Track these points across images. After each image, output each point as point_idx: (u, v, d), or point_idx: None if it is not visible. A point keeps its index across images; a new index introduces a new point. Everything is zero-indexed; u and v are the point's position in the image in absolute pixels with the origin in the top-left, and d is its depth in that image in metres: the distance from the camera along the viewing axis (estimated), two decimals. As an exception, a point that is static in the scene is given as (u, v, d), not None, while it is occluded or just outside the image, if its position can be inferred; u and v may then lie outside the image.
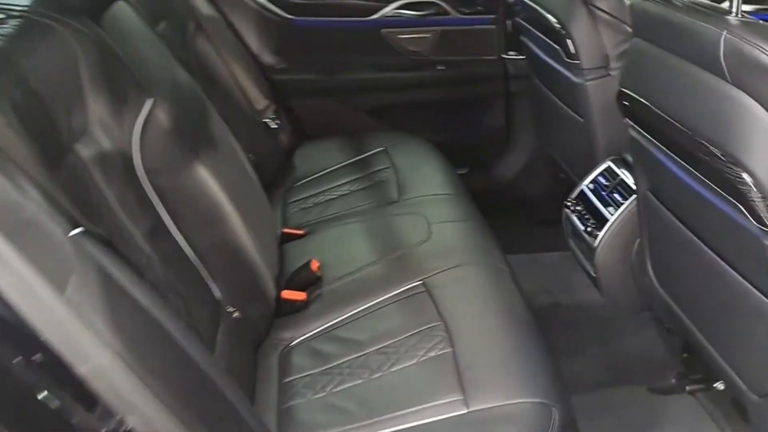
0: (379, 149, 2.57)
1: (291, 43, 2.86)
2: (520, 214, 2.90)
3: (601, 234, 2.00)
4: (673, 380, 2.06)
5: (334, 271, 1.92)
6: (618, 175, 2.07)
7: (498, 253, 1.94)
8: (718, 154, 1.30)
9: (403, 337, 1.64)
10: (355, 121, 2.85)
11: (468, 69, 2.82)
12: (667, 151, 1.52)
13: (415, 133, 2.72)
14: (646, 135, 1.62)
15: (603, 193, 2.08)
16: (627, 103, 1.69)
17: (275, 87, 2.80)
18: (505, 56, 2.80)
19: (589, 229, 2.02)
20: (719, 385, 1.99)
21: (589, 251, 2.07)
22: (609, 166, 2.13)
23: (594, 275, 2.05)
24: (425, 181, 2.32)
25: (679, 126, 1.41)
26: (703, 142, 1.34)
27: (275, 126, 2.67)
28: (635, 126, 1.68)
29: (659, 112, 1.50)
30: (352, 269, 1.91)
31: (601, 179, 2.12)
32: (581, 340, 2.05)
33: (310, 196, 2.40)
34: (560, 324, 2.05)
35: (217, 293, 1.65)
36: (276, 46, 2.85)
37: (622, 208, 1.97)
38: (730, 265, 1.43)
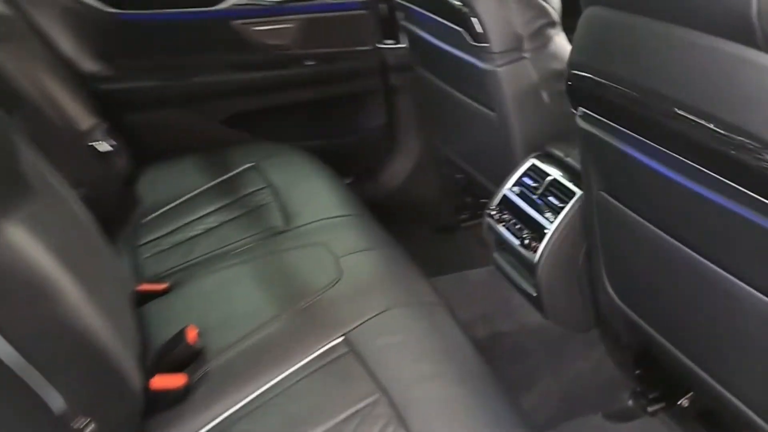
0: (248, 165, 2.09)
1: (118, 44, 2.29)
2: (416, 224, 2.53)
3: (541, 246, 1.66)
4: (630, 401, 1.77)
5: (221, 338, 1.43)
6: (547, 174, 1.75)
7: (425, 286, 1.55)
8: (747, 143, 0.97)
9: (334, 423, 1.20)
10: (210, 133, 2.33)
11: (340, 63, 2.40)
12: (648, 143, 1.19)
13: (286, 141, 2.26)
14: (610, 125, 1.28)
15: (533, 196, 1.75)
16: (578, 87, 1.35)
17: (103, 100, 2.22)
18: (380, 46, 2.40)
19: (526, 241, 1.68)
20: (684, 402, 1.73)
21: (527, 268, 1.73)
22: (533, 164, 1.80)
23: (535, 295, 1.72)
24: (315, 201, 1.87)
25: (680, 112, 1.08)
26: (718, 129, 1.01)
27: (108, 149, 2.11)
28: (590, 114, 1.34)
29: (636, 95, 1.17)
30: (245, 332, 1.43)
31: (527, 180, 1.79)
32: (529, 372, 1.72)
33: (167, 234, 1.87)
34: (504, 356, 1.71)
35: (57, 403, 1.12)
36: (99, 48, 2.27)
37: (563, 213, 1.64)
38: (732, 274, 1.13)
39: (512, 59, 1.75)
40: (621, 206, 1.37)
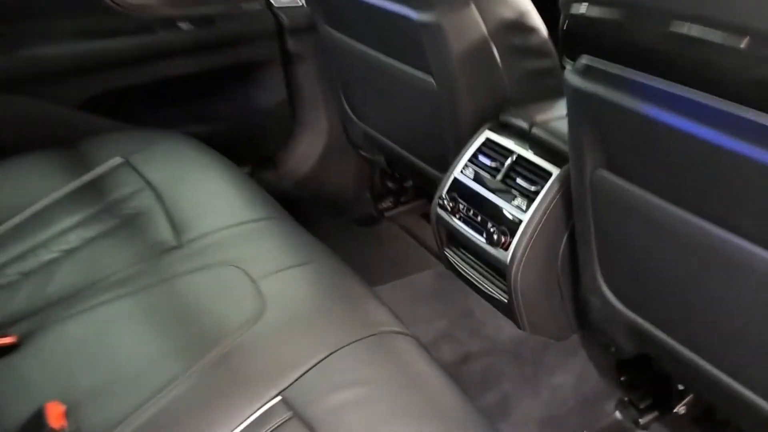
0: (117, 162, 1.60)
1: None
2: (330, 217, 2.13)
3: (514, 242, 1.31)
4: (617, 414, 1.48)
5: (101, 416, 0.98)
6: (509, 150, 1.40)
7: (378, 308, 1.16)
8: None
9: None
10: (63, 122, 1.81)
11: (224, 25, 1.93)
12: (675, 93, 0.87)
13: (163, 127, 1.79)
14: (623, 78, 0.94)
15: (494, 179, 1.40)
16: (578, 28, 1.00)
17: None
18: (274, 3, 1.97)
19: (494, 236, 1.33)
20: (680, 408, 1.46)
21: (496, 269, 1.38)
22: (488, 138, 1.45)
23: (506, 301, 1.38)
24: (213, 203, 1.43)
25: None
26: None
27: None
28: (593, 66, 1.00)
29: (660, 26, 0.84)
30: (137, 402, 0.99)
31: (483, 159, 1.44)
32: (504, 398, 1.38)
33: (11, 261, 1.36)
34: (475, 383, 1.35)
35: None
36: None
37: (539, 199, 1.31)
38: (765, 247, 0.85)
39: (456, 6, 1.38)
40: (628, 185, 1.05)
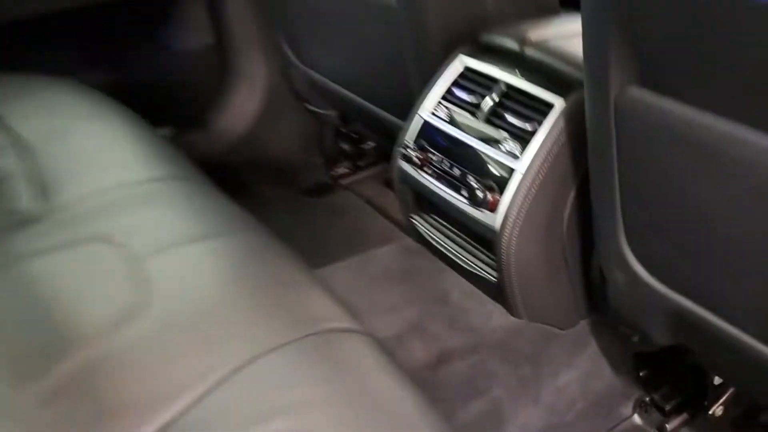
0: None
1: None
2: (273, 187, 1.77)
3: (506, 200, 0.97)
4: (636, 417, 1.16)
5: None
6: (494, 79, 1.05)
7: (321, 297, 0.82)
8: None
9: None
10: None
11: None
12: None
13: (54, 73, 1.40)
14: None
15: (477, 117, 1.05)
16: None
17: None
18: None
19: (478, 194, 0.98)
20: (717, 409, 1.15)
21: (481, 238, 1.04)
22: (466, 67, 1.10)
23: (495, 281, 1.04)
24: (97, 161, 1.06)
25: None
26: None
27: None
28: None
29: None
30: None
31: (461, 93, 1.09)
32: (498, 403, 1.04)
33: None
34: (460, 386, 1.01)
35: None
36: None
37: (538, 141, 0.96)
38: None
39: None
40: (673, 104, 0.72)
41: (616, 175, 0.84)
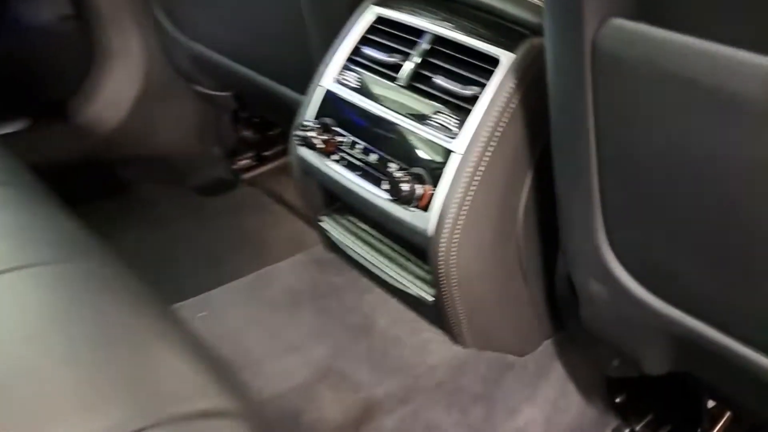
0: None
1: None
2: (159, 186, 1.47)
3: (441, 193, 0.71)
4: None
5: None
6: (420, 31, 0.78)
7: (185, 372, 0.54)
8: None
9: None
10: None
11: None
12: None
13: None
14: None
15: (397, 82, 0.78)
16: None
17: None
18: None
19: (405, 188, 0.71)
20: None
21: (410, 244, 0.78)
22: (379, 17, 0.83)
23: (431, 300, 0.78)
24: None
25: None
26: None
27: None
28: None
29: None
30: None
31: (374, 53, 0.81)
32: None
33: None
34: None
35: None
36: None
37: (481, 109, 0.70)
38: None
39: None
40: (682, 41, 0.47)
41: (593, 147, 0.59)
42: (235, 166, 1.55)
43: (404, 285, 0.80)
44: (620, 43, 0.53)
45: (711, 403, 0.91)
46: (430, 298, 0.77)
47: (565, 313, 0.80)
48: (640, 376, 0.87)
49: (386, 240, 0.86)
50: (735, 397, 0.78)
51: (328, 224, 0.91)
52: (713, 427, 0.91)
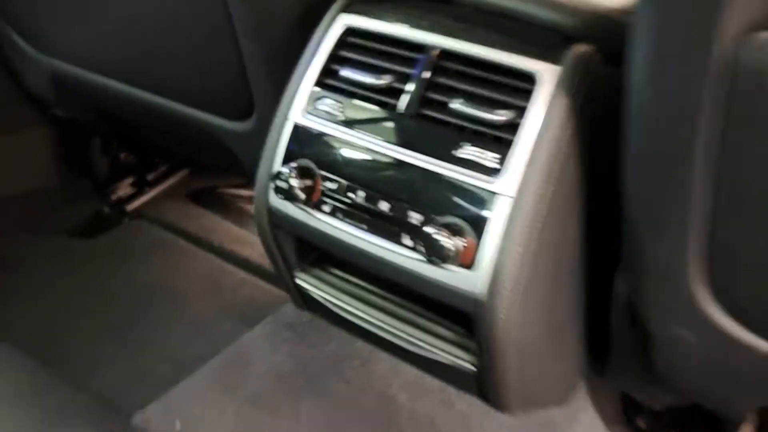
0: None
1: None
2: (21, 240, 1.20)
3: (491, 248, 0.57)
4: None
5: None
6: (420, 46, 0.63)
7: None
8: None
9: None
10: None
11: None
12: None
13: None
14: None
15: (396, 110, 0.62)
16: None
17: None
18: None
19: (444, 245, 0.57)
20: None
21: (448, 309, 0.63)
22: (350, 28, 0.67)
23: (473, 369, 0.64)
24: None
25: None
26: None
27: None
28: None
29: None
30: None
31: (357, 75, 0.65)
32: None
33: None
34: None
35: None
36: None
37: (529, 140, 0.57)
38: None
39: None
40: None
41: (704, 175, 0.49)
42: (113, 196, 1.30)
43: (433, 352, 0.66)
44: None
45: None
46: (472, 368, 0.64)
47: (616, 349, 0.70)
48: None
49: (389, 295, 0.71)
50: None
51: (306, 281, 0.74)
52: None
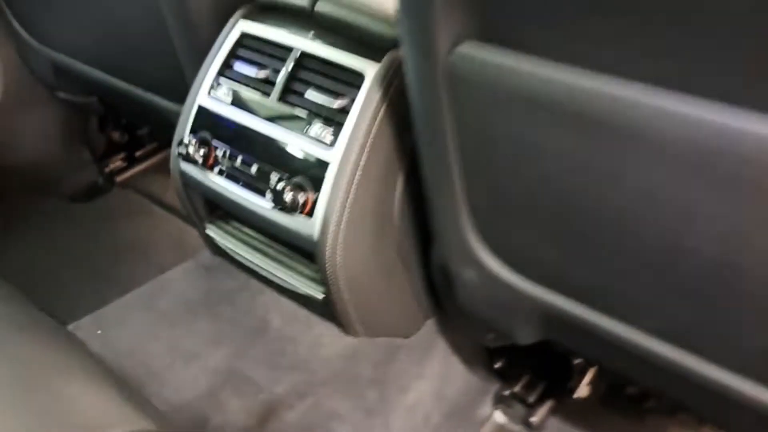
0: None
1: None
2: (28, 202, 1.43)
3: (323, 200, 0.76)
4: (499, 415, 1.05)
5: None
6: (287, 48, 0.82)
7: (108, 399, 0.57)
8: None
9: None
10: None
11: None
12: None
13: None
14: None
15: (270, 97, 0.82)
16: None
17: None
18: None
19: (288, 197, 0.76)
20: (582, 391, 1.07)
21: (297, 247, 0.83)
22: (244, 33, 0.86)
23: (321, 295, 0.83)
24: None
25: None
26: None
27: None
28: None
29: None
30: None
31: (245, 68, 0.85)
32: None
33: None
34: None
35: None
36: None
37: (352, 120, 0.76)
38: None
39: None
40: (526, 61, 0.55)
41: (455, 156, 0.67)
42: (106, 169, 1.53)
43: (294, 285, 0.85)
44: (470, 65, 0.60)
45: (577, 360, 1.03)
46: (320, 296, 0.83)
47: (442, 296, 0.88)
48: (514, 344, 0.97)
49: (272, 243, 0.90)
50: (597, 359, 0.89)
51: (213, 231, 0.94)
52: (581, 381, 1.03)
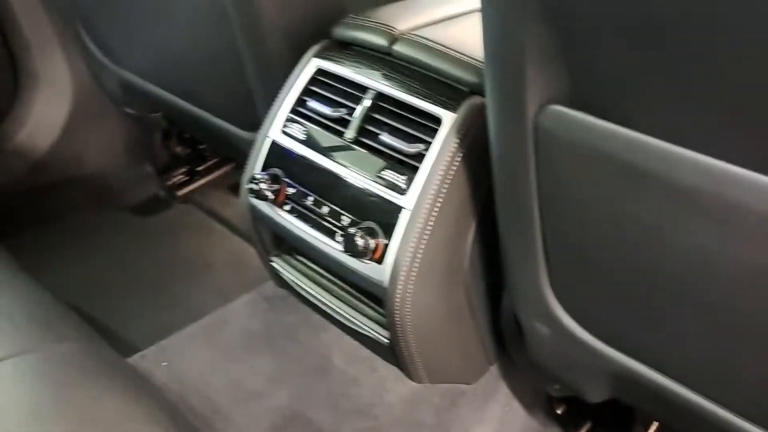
0: None
1: None
2: (91, 213, 1.45)
3: (394, 247, 0.75)
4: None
5: None
6: (363, 87, 0.82)
7: None
8: None
9: None
10: None
11: None
12: None
13: None
14: None
15: (344, 136, 0.81)
16: None
17: None
18: None
19: (359, 242, 0.75)
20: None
21: (367, 292, 0.82)
22: (320, 69, 0.86)
23: (386, 340, 0.82)
24: None
25: None
26: None
27: None
28: None
29: None
30: None
31: (319, 106, 0.84)
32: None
33: None
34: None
35: None
36: None
37: (427, 166, 0.74)
38: None
39: None
40: (613, 129, 0.53)
41: (536, 210, 0.65)
42: (168, 183, 1.54)
43: (359, 326, 0.84)
44: (557, 126, 0.58)
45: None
46: (385, 340, 0.82)
47: (508, 344, 0.86)
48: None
49: (338, 281, 0.89)
50: (663, 418, 0.86)
51: (278, 264, 0.94)
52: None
